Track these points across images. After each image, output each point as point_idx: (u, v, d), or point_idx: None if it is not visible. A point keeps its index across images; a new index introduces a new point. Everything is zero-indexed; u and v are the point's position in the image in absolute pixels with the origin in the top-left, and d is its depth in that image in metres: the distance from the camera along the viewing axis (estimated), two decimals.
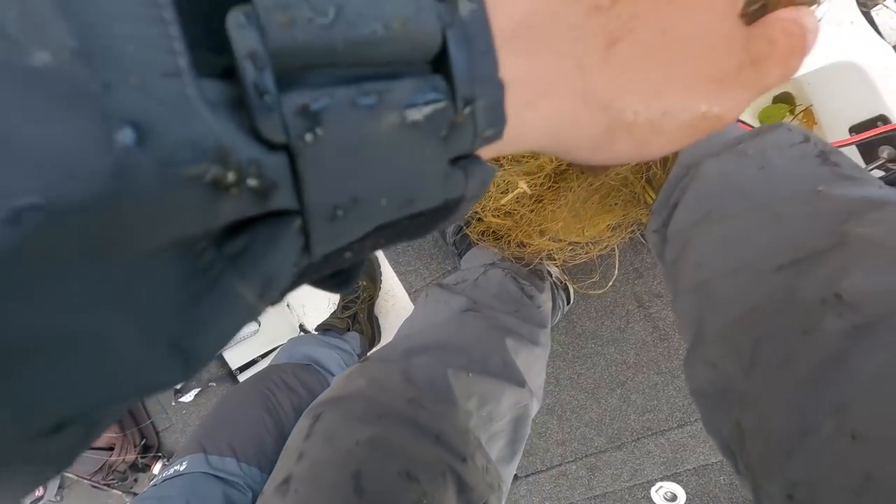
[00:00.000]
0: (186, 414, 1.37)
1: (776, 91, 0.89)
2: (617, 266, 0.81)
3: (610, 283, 0.83)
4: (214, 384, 1.26)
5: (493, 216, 0.75)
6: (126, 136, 0.08)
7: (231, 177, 0.09)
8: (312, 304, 1.19)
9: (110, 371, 0.10)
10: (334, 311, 1.09)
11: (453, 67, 0.12)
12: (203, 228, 0.10)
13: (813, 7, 0.18)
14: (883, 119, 0.71)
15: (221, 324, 0.11)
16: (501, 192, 0.73)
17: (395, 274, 0.98)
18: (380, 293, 1.08)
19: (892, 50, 0.67)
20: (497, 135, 0.14)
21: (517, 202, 0.71)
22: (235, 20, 0.09)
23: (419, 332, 0.59)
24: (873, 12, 0.67)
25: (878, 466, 0.23)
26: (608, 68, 0.15)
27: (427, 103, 0.12)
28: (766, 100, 0.90)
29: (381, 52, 0.11)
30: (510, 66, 0.13)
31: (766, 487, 0.29)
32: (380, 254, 1.07)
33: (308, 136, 0.10)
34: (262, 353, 1.20)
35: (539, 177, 0.70)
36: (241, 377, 1.20)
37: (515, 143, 0.16)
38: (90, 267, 0.08)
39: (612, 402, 0.94)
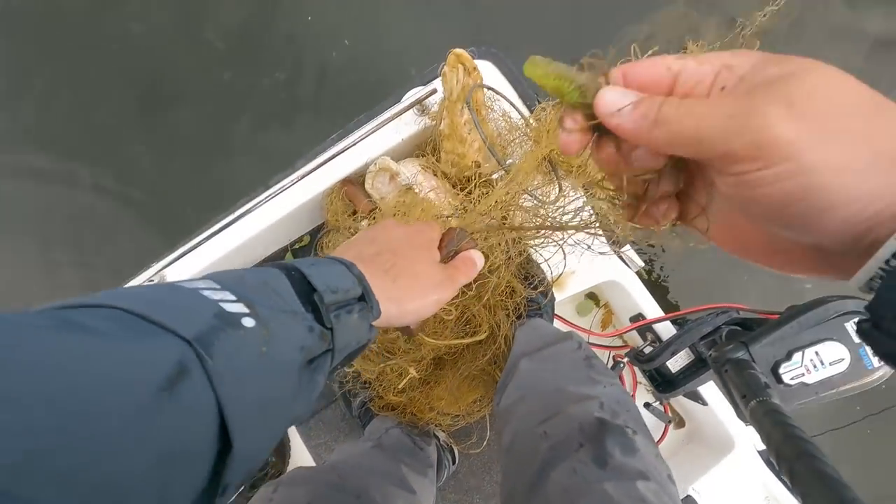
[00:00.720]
0: None
1: (587, 291, 1.27)
2: (488, 429, 1.05)
3: (485, 443, 1.05)
4: None
5: (392, 395, 0.97)
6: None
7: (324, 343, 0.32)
8: None
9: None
10: (242, 490, 1.15)
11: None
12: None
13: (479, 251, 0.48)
14: (641, 316, 1.10)
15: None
16: (397, 376, 0.95)
17: (305, 448, 1.11)
18: (288, 468, 1.17)
19: (634, 275, 1.08)
20: (376, 317, 0.38)
21: (409, 385, 0.94)
22: (319, 299, 0.33)
23: (331, 466, 0.79)
24: (622, 251, 1.10)
25: None
26: (394, 287, 0.41)
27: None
28: (581, 297, 1.30)
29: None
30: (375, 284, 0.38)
31: None
32: (292, 430, 1.19)
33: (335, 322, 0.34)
34: None
35: (424, 363, 0.95)
36: None
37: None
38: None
39: None
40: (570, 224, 0.54)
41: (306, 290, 0.33)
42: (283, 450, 1.22)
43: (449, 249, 0.49)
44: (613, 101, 0.25)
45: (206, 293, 0.27)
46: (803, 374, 0.70)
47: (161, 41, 1.59)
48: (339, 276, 0.36)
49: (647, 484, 0.48)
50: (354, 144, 0.94)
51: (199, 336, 0.23)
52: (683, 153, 0.24)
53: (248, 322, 0.26)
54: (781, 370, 0.71)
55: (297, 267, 0.34)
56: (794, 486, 0.43)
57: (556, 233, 0.90)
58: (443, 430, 1.04)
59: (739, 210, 0.25)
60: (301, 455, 1.14)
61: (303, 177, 0.95)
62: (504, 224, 0.81)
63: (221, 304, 0.26)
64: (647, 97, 0.25)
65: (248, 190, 1.03)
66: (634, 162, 0.28)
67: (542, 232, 0.76)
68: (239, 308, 0.27)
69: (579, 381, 0.65)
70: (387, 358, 0.94)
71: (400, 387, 0.92)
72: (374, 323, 0.38)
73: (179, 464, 0.21)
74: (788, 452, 0.45)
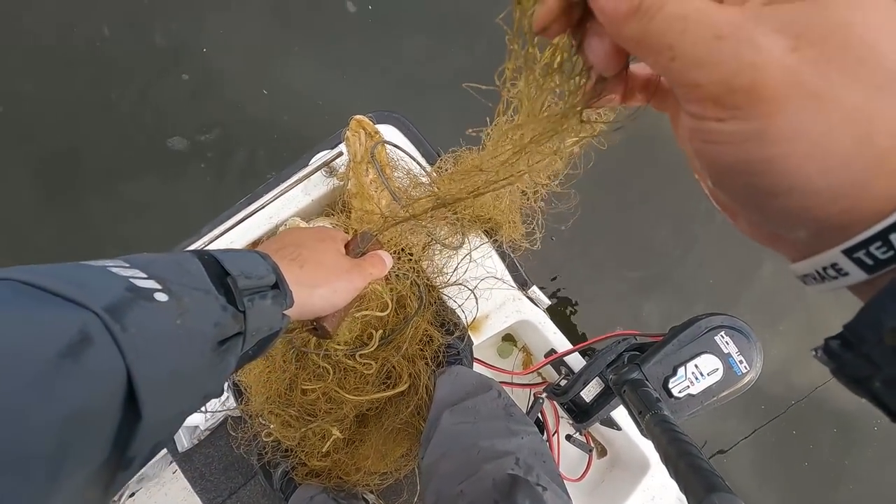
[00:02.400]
0: None
1: (502, 332, 1.33)
2: (418, 483, 1.03)
3: (415, 499, 1.03)
4: None
5: (316, 460, 0.93)
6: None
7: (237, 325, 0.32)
8: None
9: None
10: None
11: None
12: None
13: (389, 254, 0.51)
14: (553, 351, 1.16)
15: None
16: (320, 439, 0.92)
17: None
18: None
19: (543, 313, 1.16)
20: (289, 305, 0.39)
21: (333, 447, 0.91)
22: (232, 283, 0.33)
23: None
24: (529, 292, 1.18)
25: None
26: (302, 272, 0.42)
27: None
28: (498, 340, 1.35)
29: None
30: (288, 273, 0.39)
31: None
32: None
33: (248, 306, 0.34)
34: None
35: (347, 422, 0.93)
36: None
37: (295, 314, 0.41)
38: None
39: None
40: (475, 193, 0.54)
41: (219, 273, 0.34)
42: None
43: (357, 251, 0.52)
44: None
45: (114, 270, 0.27)
46: (688, 387, 0.78)
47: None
48: (252, 264, 0.37)
49: None
50: (264, 207, 0.95)
51: (110, 307, 0.24)
52: (651, 64, 0.19)
53: (161, 297, 0.27)
54: (670, 385, 0.79)
55: (209, 252, 0.35)
56: (678, 481, 0.48)
57: (457, 280, 0.95)
58: (372, 492, 1.01)
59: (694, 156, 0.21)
60: None
61: (211, 242, 0.93)
62: (402, 248, 0.85)
63: (132, 280, 0.26)
64: None
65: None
66: (587, 50, 0.22)
67: (439, 215, 0.81)
68: (151, 284, 0.27)
69: (498, 435, 0.68)
70: (308, 421, 0.91)
71: (324, 450, 0.89)
72: (286, 312, 0.39)
73: (82, 427, 0.21)
74: (673, 453, 0.51)
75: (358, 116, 0.86)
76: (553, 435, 1.23)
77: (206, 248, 0.93)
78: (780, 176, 0.17)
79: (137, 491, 1.27)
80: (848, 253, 0.17)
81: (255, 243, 0.97)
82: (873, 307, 0.16)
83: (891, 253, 0.16)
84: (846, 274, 0.18)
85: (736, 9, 0.17)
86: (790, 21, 0.16)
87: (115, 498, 1.22)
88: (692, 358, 0.78)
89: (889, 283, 0.16)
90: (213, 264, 0.34)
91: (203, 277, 0.32)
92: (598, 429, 1.26)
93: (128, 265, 0.28)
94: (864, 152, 0.16)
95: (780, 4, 0.16)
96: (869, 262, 0.17)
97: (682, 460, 0.50)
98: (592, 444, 1.26)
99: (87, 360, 0.22)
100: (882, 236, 0.16)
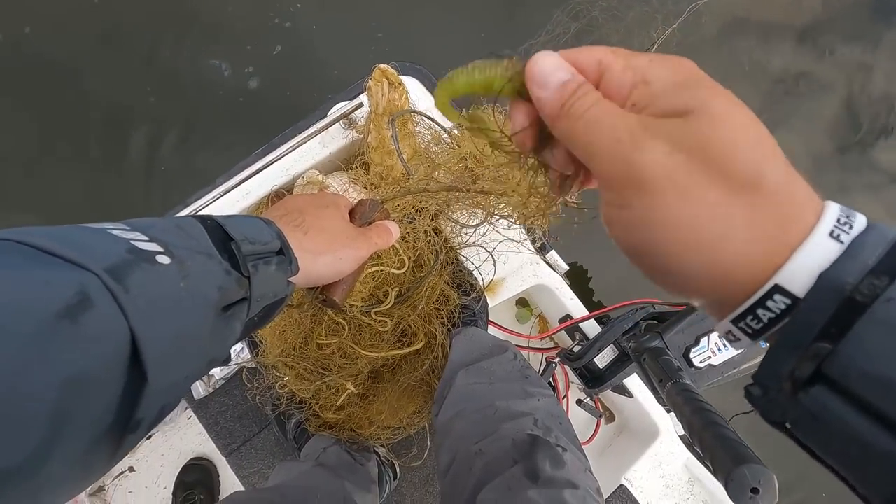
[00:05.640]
0: None
1: (518, 296, 1.32)
2: (429, 439, 1.05)
3: (426, 454, 1.05)
4: None
5: (330, 413, 0.94)
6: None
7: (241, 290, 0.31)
8: None
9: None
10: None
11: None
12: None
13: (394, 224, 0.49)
14: (569, 317, 1.15)
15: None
16: (334, 393, 0.93)
17: (237, 478, 1.04)
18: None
19: (561, 278, 1.14)
20: (295, 272, 0.37)
21: (347, 401, 0.92)
22: (236, 248, 0.32)
23: (271, 487, 0.76)
24: (547, 257, 1.15)
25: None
26: (306, 238, 0.41)
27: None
28: (513, 304, 1.34)
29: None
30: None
31: None
32: (221, 462, 1.12)
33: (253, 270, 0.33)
34: None
35: (361, 378, 0.94)
36: None
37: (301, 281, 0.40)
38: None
39: None
40: (481, 188, 0.55)
41: (223, 238, 0.33)
42: (211, 484, 1.14)
43: (363, 220, 0.49)
44: (547, 70, 0.23)
45: (115, 232, 0.26)
46: (710, 357, 0.77)
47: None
48: (256, 229, 0.35)
49: (573, 492, 0.50)
50: (280, 158, 0.92)
51: (112, 268, 0.23)
52: (577, 156, 0.23)
53: (164, 259, 0.26)
54: (692, 355, 0.77)
55: (212, 217, 0.34)
56: (704, 452, 0.47)
57: (477, 232, 0.93)
58: (383, 446, 1.03)
59: None
60: (232, 488, 1.08)
61: (225, 193, 0.91)
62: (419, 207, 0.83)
63: (133, 243, 0.26)
64: (584, 82, 0.23)
65: (168, 209, 0.98)
66: (550, 157, 0.27)
67: (455, 196, 0.78)
68: (152, 247, 0.26)
69: (514, 396, 0.67)
70: (322, 375, 0.91)
71: (338, 403, 0.90)
72: (292, 280, 0.38)
73: (84, 390, 0.21)
74: (697, 423, 0.50)
75: (382, 66, 0.82)
76: (563, 399, 1.24)
77: (220, 198, 0.92)
78: (663, 258, 0.21)
79: (154, 434, 1.31)
80: (735, 322, 0.20)
81: (274, 195, 0.95)
82: (770, 360, 0.19)
83: (761, 325, 0.19)
84: (739, 339, 0.21)
85: (634, 118, 0.21)
86: (670, 132, 0.20)
87: None
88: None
89: (777, 337, 0.19)
90: (217, 229, 0.33)
91: (206, 241, 0.31)
92: (607, 395, 1.26)
93: (129, 228, 0.28)
94: (725, 246, 0.19)
95: (667, 119, 0.20)
96: (749, 331, 0.20)
97: (707, 431, 0.49)
98: (602, 410, 1.27)
99: (86, 321, 0.21)
100: (751, 312, 0.19)
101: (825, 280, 0.18)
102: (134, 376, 0.23)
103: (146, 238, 0.27)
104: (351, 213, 0.50)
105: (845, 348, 0.17)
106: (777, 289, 0.19)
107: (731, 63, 1.65)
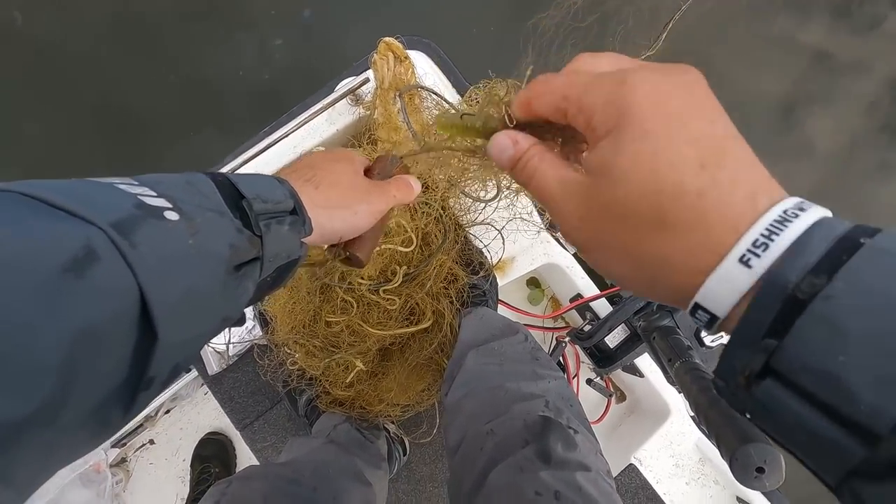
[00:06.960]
0: None
1: (528, 275, 1.31)
2: (438, 416, 1.06)
3: (435, 430, 1.06)
4: None
5: (340, 390, 0.96)
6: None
7: (253, 250, 0.30)
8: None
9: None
10: None
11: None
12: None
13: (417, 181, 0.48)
14: (580, 296, 1.14)
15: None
16: (343, 370, 0.94)
17: (251, 452, 1.07)
18: None
19: (572, 257, 1.12)
20: (308, 232, 0.36)
21: (357, 378, 0.93)
22: (248, 205, 0.31)
23: (284, 462, 0.78)
24: (557, 234, 1.14)
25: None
26: (318, 193, 0.39)
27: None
28: (523, 284, 1.33)
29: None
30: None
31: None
32: (236, 436, 1.15)
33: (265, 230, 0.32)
34: None
35: (370, 355, 0.94)
36: None
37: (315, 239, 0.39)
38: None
39: None
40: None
41: (234, 196, 0.32)
42: (226, 458, 1.18)
43: (382, 177, 0.47)
44: (498, 149, 0.30)
45: (122, 187, 0.26)
46: (722, 336, 0.75)
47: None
48: (269, 187, 0.34)
49: (586, 474, 0.50)
50: (287, 135, 0.92)
51: (117, 223, 0.23)
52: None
53: (172, 215, 0.26)
54: (703, 334, 0.76)
55: (223, 173, 0.33)
56: (710, 430, 0.46)
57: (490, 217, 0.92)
58: (392, 422, 1.04)
59: None
60: (247, 461, 1.10)
61: (233, 171, 0.91)
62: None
63: (141, 198, 0.25)
64: (526, 150, 0.28)
65: None
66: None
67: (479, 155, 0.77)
68: (161, 202, 0.26)
69: (525, 378, 0.67)
70: (332, 352, 0.92)
71: (347, 380, 0.91)
72: (306, 240, 0.36)
73: (93, 346, 0.21)
74: (703, 402, 0.49)
75: (387, 39, 0.80)
76: (573, 378, 1.24)
77: None
78: (608, 275, 0.26)
79: (172, 408, 1.35)
80: (692, 314, 0.22)
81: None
82: (727, 356, 0.20)
83: (707, 318, 0.21)
84: (703, 323, 0.23)
85: (559, 177, 0.26)
86: (586, 192, 0.25)
87: (152, 413, 1.31)
88: None
89: (732, 334, 0.20)
90: (228, 186, 0.32)
91: (217, 198, 0.30)
92: (618, 375, 1.25)
93: (136, 183, 0.27)
94: (640, 275, 0.23)
95: (583, 178, 0.25)
96: (702, 323, 0.22)
97: (712, 409, 0.48)
98: (612, 390, 1.26)
99: (93, 275, 0.21)
100: (692, 313, 0.22)
101: (772, 278, 0.19)
102: (144, 333, 0.23)
103: (154, 193, 0.26)
104: (369, 170, 0.48)
105: (789, 343, 0.18)
106: (698, 306, 0.21)
107: (765, 37, 1.59)
